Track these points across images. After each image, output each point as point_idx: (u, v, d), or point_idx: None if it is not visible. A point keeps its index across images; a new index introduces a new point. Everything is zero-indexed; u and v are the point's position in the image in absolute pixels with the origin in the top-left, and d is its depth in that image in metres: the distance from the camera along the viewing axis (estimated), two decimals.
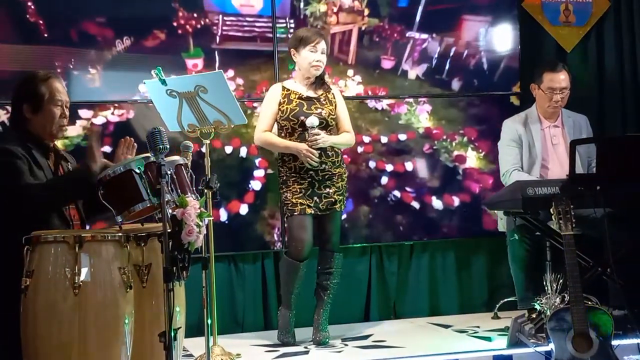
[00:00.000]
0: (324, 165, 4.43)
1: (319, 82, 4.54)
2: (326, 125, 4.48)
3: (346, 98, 4.80)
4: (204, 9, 4.90)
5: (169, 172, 3.14)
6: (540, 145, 4.82)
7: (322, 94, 4.54)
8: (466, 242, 5.38)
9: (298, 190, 4.43)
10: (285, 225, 4.71)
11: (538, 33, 5.57)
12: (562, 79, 4.79)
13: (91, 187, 3.30)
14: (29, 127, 3.54)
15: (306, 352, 4.36)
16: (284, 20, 4.98)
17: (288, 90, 4.53)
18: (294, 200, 4.43)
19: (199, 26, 4.85)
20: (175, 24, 4.85)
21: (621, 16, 5.64)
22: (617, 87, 5.63)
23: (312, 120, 4.38)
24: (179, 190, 3.28)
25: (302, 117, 4.42)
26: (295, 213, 4.42)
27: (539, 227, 4.45)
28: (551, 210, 3.80)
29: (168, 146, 3.11)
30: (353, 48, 5.07)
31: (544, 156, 4.81)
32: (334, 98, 4.57)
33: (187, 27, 4.82)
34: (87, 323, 3.06)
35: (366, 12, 5.10)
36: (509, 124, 4.91)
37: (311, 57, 4.48)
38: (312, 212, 4.43)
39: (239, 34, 4.91)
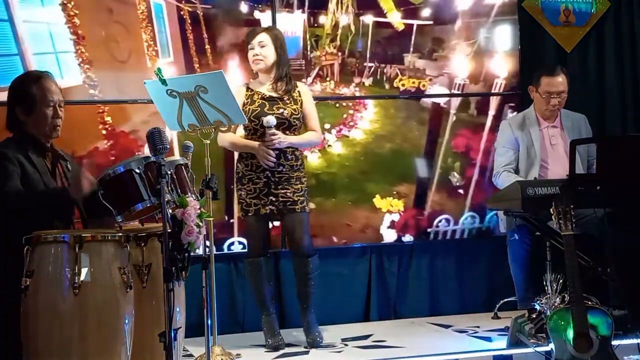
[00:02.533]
0: (281, 167, 4.41)
1: (282, 80, 4.49)
2: (289, 125, 4.44)
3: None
4: None
5: (169, 172, 3.14)
6: (539, 145, 4.82)
7: (286, 93, 4.50)
8: (466, 242, 5.38)
9: (253, 189, 4.41)
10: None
11: (538, 33, 5.57)
12: (559, 82, 4.79)
13: (67, 210, 3.44)
14: (25, 129, 3.54)
15: (306, 352, 4.35)
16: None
17: (252, 90, 4.51)
18: (248, 200, 4.42)
19: None
20: None
21: (621, 16, 5.63)
22: (617, 87, 5.62)
23: (269, 120, 4.35)
24: (179, 190, 3.29)
25: (262, 118, 4.40)
26: (250, 214, 4.42)
27: (539, 227, 4.45)
28: (551, 210, 3.80)
29: (168, 146, 3.11)
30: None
31: (543, 157, 4.81)
32: (300, 96, 4.53)
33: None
34: (87, 323, 3.07)
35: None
36: (506, 126, 4.92)
37: (250, 55, 4.50)
38: (268, 210, 4.41)
39: None
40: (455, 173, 5.39)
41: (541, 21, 5.55)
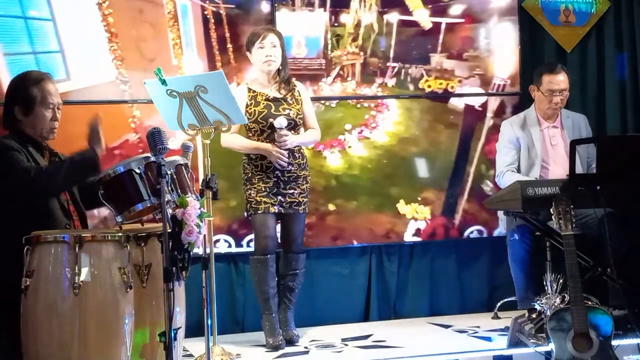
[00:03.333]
0: (290, 167, 4.44)
1: (283, 81, 4.52)
2: (294, 125, 4.49)
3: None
4: None
5: (169, 172, 3.14)
6: (540, 146, 4.82)
7: (288, 93, 4.53)
8: (466, 242, 5.38)
9: (263, 188, 4.43)
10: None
11: (538, 33, 5.56)
12: (561, 80, 4.79)
13: (97, 170, 3.35)
14: (20, 127, 3.55)
15: (306, 352, 4.36)
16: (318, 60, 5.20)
17: (254, 92, 4.52)
18: (258, 199, 4.43)
19: None
20: None
21: (621, 16, 5.63)
22: (617, 87, 5.62)
23: (281, 121, 4.38)
24: (179, 190, 3.28)
25: (271, 119, 4.42)
26: (259, 211, 4.43)
27: (539, 227, 4.45)
28: (551, 210, 3.80)
29: (168, 146, 3.11)
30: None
31: (543, 157, 4.81)
32: (300, 96, 4.57)
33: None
34: (87, 323, 3.06)
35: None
36: (507, 126, 4.91)
37: (261, 54, 4.48)
38: (276, 210, 4.43)
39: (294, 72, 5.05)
40: (488, 181, 5.32)
41: (541, 21, 5.54)
